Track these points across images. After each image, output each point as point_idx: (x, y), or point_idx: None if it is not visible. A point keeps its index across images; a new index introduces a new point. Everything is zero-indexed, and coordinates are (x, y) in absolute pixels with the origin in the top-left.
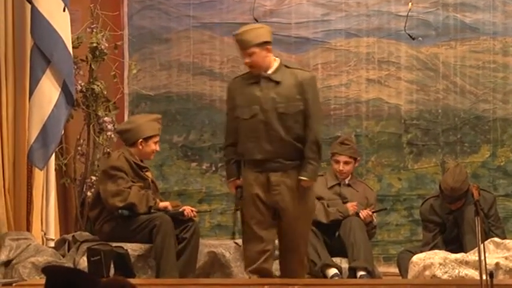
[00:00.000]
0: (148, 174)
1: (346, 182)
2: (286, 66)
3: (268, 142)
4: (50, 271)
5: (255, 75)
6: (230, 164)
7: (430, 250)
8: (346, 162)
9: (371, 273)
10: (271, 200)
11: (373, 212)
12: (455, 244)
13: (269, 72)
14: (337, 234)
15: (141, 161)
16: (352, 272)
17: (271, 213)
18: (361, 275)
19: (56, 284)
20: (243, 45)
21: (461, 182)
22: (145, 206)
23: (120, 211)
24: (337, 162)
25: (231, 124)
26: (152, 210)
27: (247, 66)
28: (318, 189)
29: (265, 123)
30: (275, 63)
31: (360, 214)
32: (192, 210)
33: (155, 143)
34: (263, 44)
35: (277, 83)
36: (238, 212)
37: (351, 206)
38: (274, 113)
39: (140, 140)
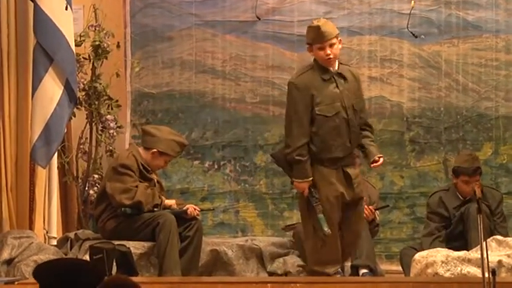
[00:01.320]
0: (154, 175)
1: None
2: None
3: (349, 139)
4: (39, 274)
5: (326, 72)
6: (308, 163)
7: (433, 242)
8: None
9: (373, 271)
10: (353, 194)
11: (375, 209)
12: (460, 241)
13: (336, 67)
14: None
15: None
16: (355, 269)
17: None
18: (363, 273)
19: (50, 284)
20: (327, 36)
21: (477, 155)
22: (150, 205)
23: (123, 209)
24: None
25: (306, 122)
26: (155, 209)
27: (324, 60)
28: None
29: (347, 120)
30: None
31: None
32: (195, 209)
33: (166, 162)
34: (338, 36)
35: (345, 79)
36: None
37: None
38: (352, 109)
39: (155, 150)
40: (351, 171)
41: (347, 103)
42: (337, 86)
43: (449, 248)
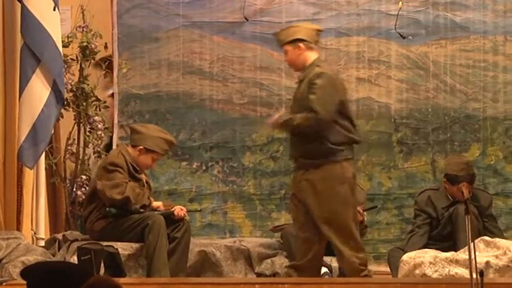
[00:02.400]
0: (143, 176)
1: None
2: (317, 65)
3: (293, 141)
4: (29, 274)
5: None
6: None
7: (410, 239)
8: None
9: None
10: (299, 198)
11: (363, 211)
12: (448, 241)
13: (302, 72)
14: None
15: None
16: (343, 270)
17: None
18: None
19: (37, 284)
20: (278, 44)
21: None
22: (138, 204)
23: (107, 209)
24: None
25: None
26: (142, 210)
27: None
28: None
29: None
30: (308, 62)
31: None
32: (181, 209)
33: (153, 159)
34: (295, 42)
35: (301, 82)
36: None
37: None
38: (293, 113)
39: (141, 147)
40: (297, 175)
41: (292, 105)
42: (297, 89)
43: (438, 249)
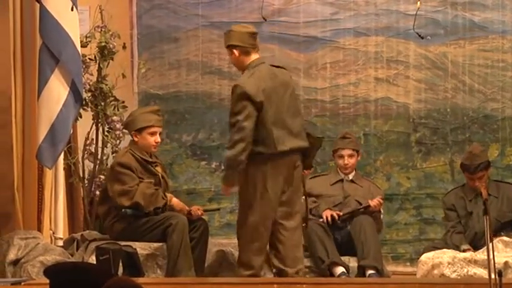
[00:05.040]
0: (158, 169)
1: (350, 178)
2: (251, 69)
3: None
4: (52, 272)
5: None
6: None
7: (450, 236)
8: (350, 156)
9: (380, 272)
10: None
11: (361, 209)
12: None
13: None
14: (348, 229)
15: (150, 156)
16: (361, 270)
17: None
18: (370, 274)
19: (60, 284)
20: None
21: (480, 150)
22: (151, 206)
23: (123, 210)
24: (341, 156)
25: None
26: (158, 211)
27: None
28: (320, 188)
29: None
30: (245, 66)
31: (370, 202)
32: (198, 209)
33: (151, 134)
34: (230, 47)
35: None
36: None
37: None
38: None
39: (132, 132)
40: None
41: None
42: None
43: (473, 247)
